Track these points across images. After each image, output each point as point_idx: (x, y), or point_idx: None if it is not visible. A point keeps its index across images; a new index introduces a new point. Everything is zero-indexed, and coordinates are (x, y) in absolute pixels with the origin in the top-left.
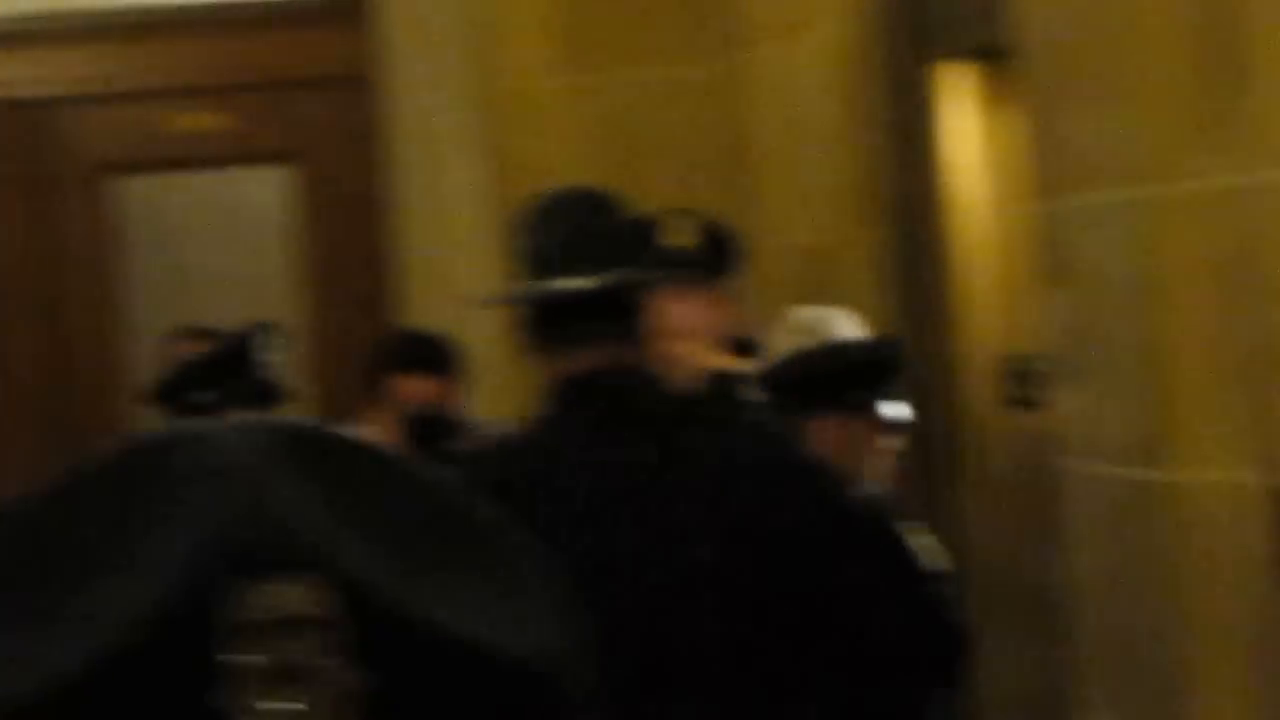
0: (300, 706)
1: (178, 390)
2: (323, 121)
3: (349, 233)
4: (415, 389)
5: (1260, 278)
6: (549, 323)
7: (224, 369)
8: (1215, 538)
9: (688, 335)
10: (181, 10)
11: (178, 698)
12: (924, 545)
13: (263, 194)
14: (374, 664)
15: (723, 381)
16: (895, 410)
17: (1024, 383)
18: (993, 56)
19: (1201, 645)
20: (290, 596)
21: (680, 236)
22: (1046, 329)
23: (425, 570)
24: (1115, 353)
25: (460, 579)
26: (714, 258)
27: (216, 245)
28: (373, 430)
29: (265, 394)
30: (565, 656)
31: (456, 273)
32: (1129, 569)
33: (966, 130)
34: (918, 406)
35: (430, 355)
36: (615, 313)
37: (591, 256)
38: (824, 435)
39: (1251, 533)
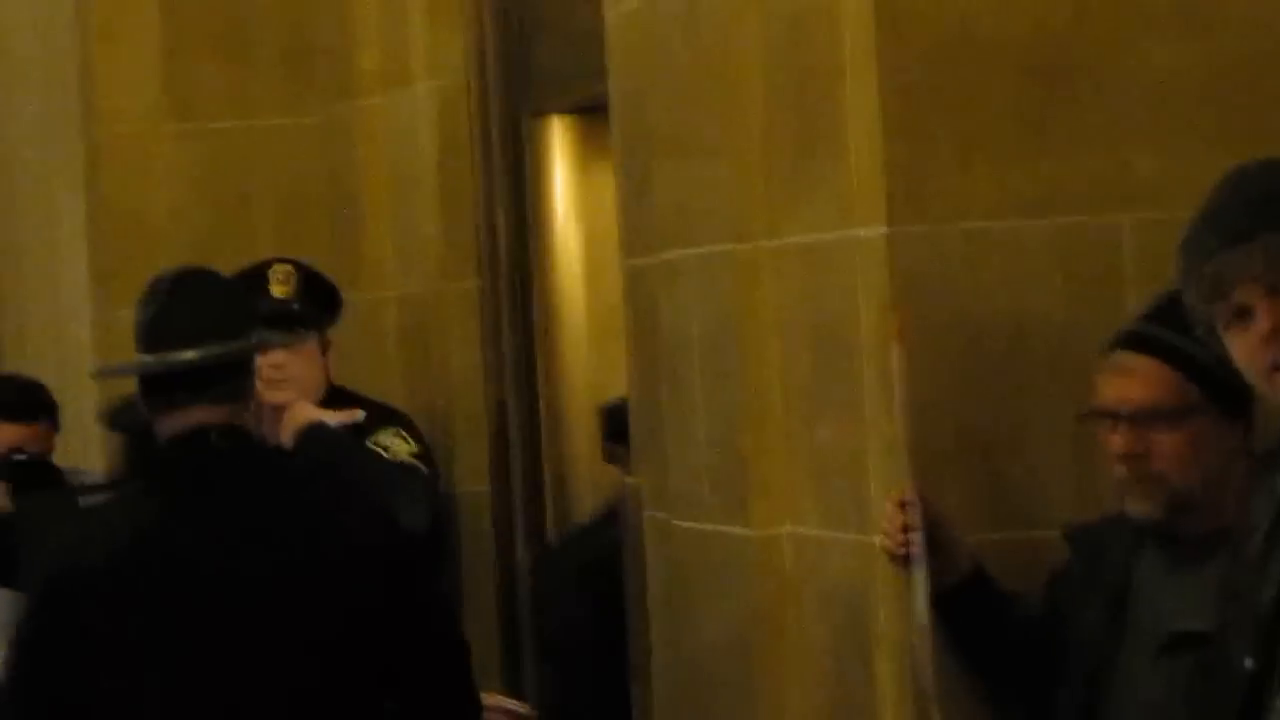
0: None
1: None
2: None
3: None
4: (4, 435)
5: (841, 335)
6: (157, 391)
7: None
8: (797, 589)
9: (288, 388)
10: None
11: None
12: None
13: None
14: None
15: (321, 432)
16: None
17: (617, 437)
18: (592, 111)
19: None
20: None
21: (280, 288)
22: (630, 385)
23: None
24: (690, 409)
25: None
26: (313, 309)
27: None
28: None
29: None
30: None
31: (62, 313)
32: (700, 616)
33: (566, 184)
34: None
35: (17, 401)
36: (220, 376)
37: (199, 327)
38: None
39: (837, 583)
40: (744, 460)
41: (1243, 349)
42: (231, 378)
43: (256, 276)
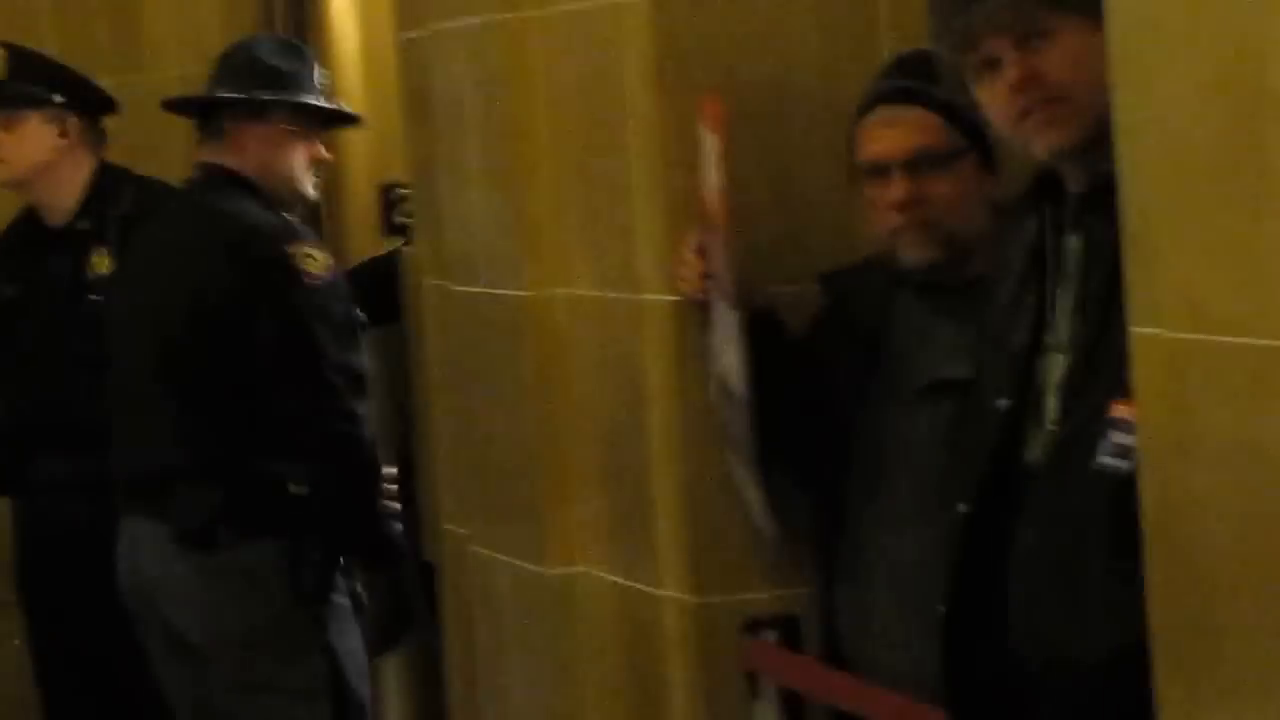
0: None
1: None
2: None
3: None
4: None
5: (608, 98)
6: None
7: None
8: (572, 349)
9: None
10: None
11: None
12: None
13: None
14: None
15: None
16: None
17: (397, 211)
18: None
19: None
20: None
21: None
22: (407, 156)
23: None
24: (465, 178)
25: None
26: (27, 87)
27: None
28: None
29: None
30: None
31: None
32: (480, 379)
33: None
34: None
35: None
36: None
37: None
38: None
39: (610, 342)
40: (518, 224)
41: (992, 98)
42: None
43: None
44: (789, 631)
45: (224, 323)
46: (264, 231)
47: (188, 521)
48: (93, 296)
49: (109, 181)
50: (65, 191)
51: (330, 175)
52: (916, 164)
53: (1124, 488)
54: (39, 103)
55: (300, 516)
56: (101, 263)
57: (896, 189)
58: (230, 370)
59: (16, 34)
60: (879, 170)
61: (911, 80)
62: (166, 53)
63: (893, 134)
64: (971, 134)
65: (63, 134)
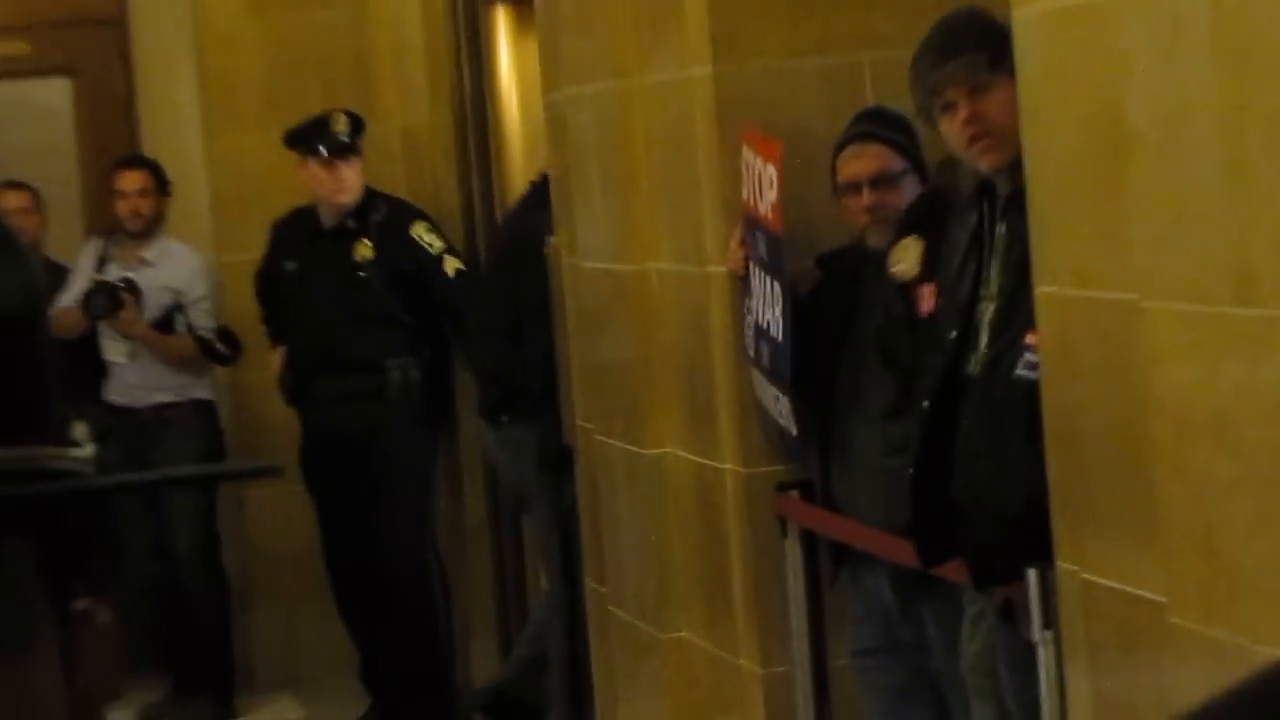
0: None
1: None
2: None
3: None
4: None
5: (684, 142)
6: None
7: None
8: (663, 312)
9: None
10: None
11: None
12: None
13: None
14: None
15: None
16: None
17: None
18: (525, 2)
19: None
20: None
21: (340, 127)
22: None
23: None
24: (588, 192)
25: None
26: (357, 140)
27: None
28: None
29: None
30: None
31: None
32: (603, 336)
33: (507, 51)
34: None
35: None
36: None
37: None
38: None
39: (688, 305)
40: (624, 222)
41: (950, 130)
42: None
43: (323, 120)
44: (806, 491)
45: None
46: None
47: None
48: (360, 273)
49: (369, 198)
50: (349, 205)
51: (499, 188)
52: (877, 181)
53: (1033, 390)
54: (359, 150)
55: None
56: (364, 250)
57: (865, 198)
58: None
59: (298, 102)
60: (853, 186)
61: (871, 126)
62: (392, 112)
63: (860, 162)
64: (912, 161)
65: (361, 172)
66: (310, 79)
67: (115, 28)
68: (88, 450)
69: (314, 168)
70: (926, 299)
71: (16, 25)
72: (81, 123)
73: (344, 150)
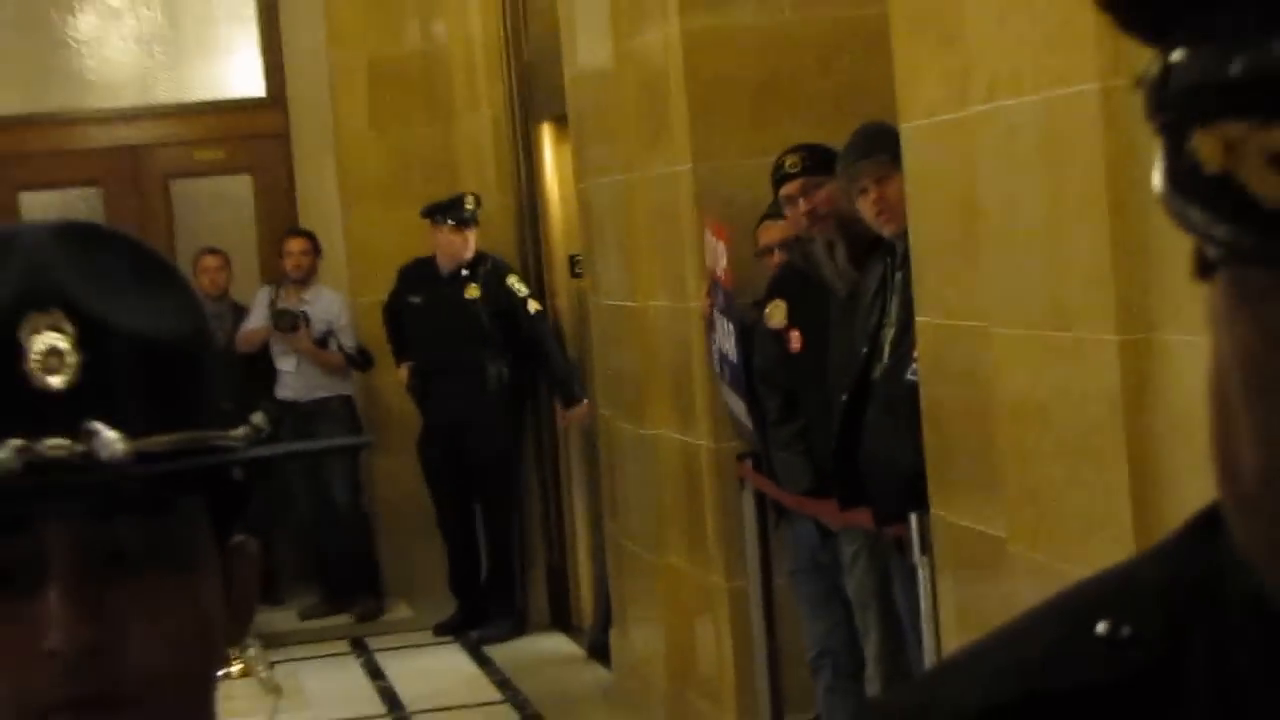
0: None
1: None
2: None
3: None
4: None
5: (672, 226)
6: None
7: None
8: (658, 339)
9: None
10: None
11: (4, 382)
12: None
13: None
14: (91, 352)
15: None
16: None
17: (576, 265)
18: (564, 120)
19: None
20: (50, 319)
21: (471, 205)
22: (581, 243)
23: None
24: (604, 251)
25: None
26: (475, 216)
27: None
28: None
29: None
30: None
31: (328, 220)
32: (621, 357)
33: (551, 154)
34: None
35: None
36: None
37: None
38: None
39: (671, 333)
40: (630, 273)
41: (863, 206)
42: None
43: (458, 199)
44: (756, 461)
45: None
46: None
47: None
48: (469, 308)
49: (477, 254)
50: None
51: (546, 248)
52: (781, 245)
53: (916, 390)
54: (479, 223)
55: None
56: (473, 291)
57: (775, 259)
58: None
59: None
60: (767, 250)
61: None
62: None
63: (772, 231)
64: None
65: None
66: (414, 174)
67: (281, 140)
68: (242, 430)
69: (446, 232)
70: (795, 341)
71: (214, 138)
72: (258, 206)
73: (468, 222)
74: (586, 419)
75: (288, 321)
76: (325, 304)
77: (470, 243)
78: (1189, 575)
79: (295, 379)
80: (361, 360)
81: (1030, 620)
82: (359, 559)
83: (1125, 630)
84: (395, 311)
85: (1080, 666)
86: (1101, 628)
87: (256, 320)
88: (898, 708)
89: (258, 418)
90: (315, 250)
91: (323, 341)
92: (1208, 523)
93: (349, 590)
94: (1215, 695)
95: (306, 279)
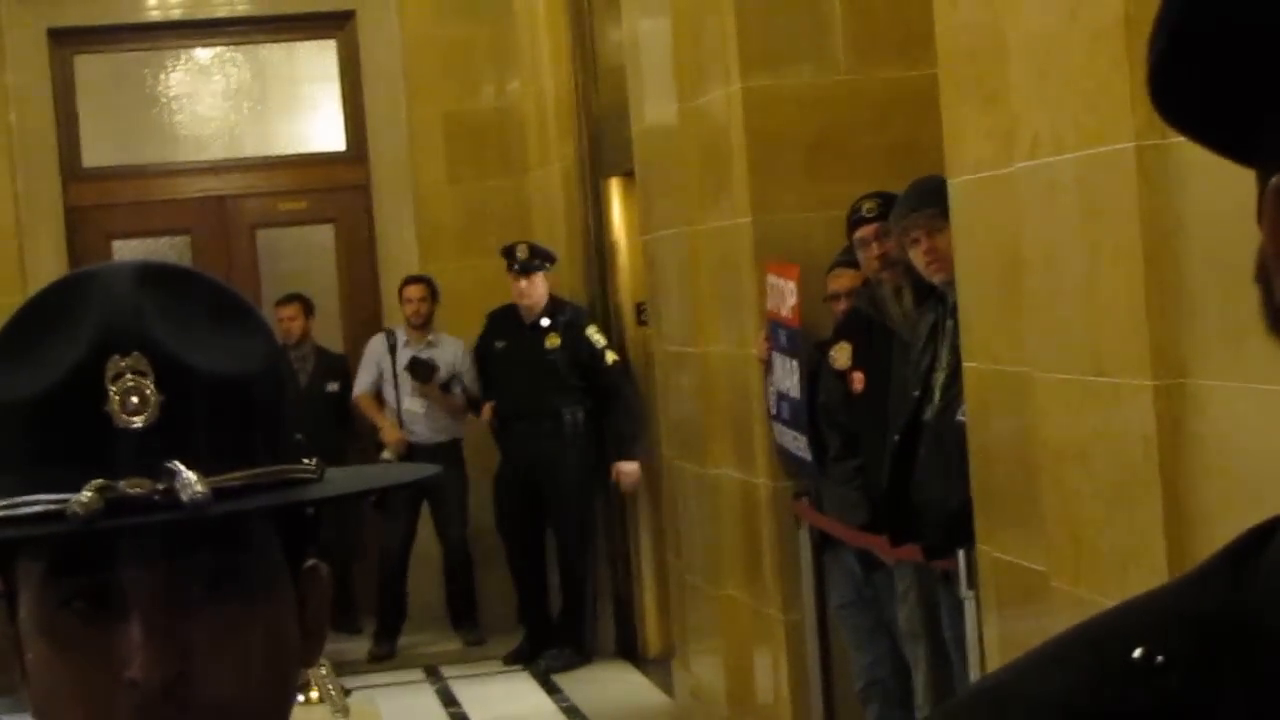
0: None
1: None
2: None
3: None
4: None
5: (733, 272)
6: None
7: None
8: (716, 382)
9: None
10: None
11: (86, 421)
12: None
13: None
14: (170, 392)
15: None
16: None
17: (643, 313)
18: (630, 175)
19: None
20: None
21: (523, 252)
22: (647, 291)
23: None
24: (667, 301)
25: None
26: (537, 260)
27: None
28: None
29: None
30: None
31: (406, 270)
32: (677, 395)
33: (620, 209)
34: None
35: None
36: None
37: None
38: None
39: (732, 378)
40: (692, 320)
41: (916, 257)
42: None
43: (513, 247)
44: (815, 499)
45: None
46: None
47: None
48: (550, 357)
49: (556, 303)
50: (540, 306)
51: (614, 296)
52: (851, 293)
53: (964, 431)
54: (542, 268)
55: None
56: (553, 341)
57: (842, 304)
58: None
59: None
60: (835, 296)
61: (846, 255)
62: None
63: (841, 280)
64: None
65: (545, 280)
66: (489, 225)
67: (362, 192)
68: (314, 462)
69: (510, 278)
70: (857, 382)
71: (298, 190)
72: (340, 254)
73: (526, 269)
74: (636, 482)
75: (425, 371)
76: (449, 350)
77: (536, 287)
78: (1218, 606)
79: (424, 422)
80: (475, 405)
81: (1062, 647)
82: (467, 586)
83: (1159, 658)
84: (482, 355)
85: (1120, 693)
86: (1138, 654)
87: (371, 370)
88: None
89: (385, 454)
90: (433, 296)
91: (445, 386)
92: (1235, 556)
93: (460, 622)
94: None
95: (425, 324)
